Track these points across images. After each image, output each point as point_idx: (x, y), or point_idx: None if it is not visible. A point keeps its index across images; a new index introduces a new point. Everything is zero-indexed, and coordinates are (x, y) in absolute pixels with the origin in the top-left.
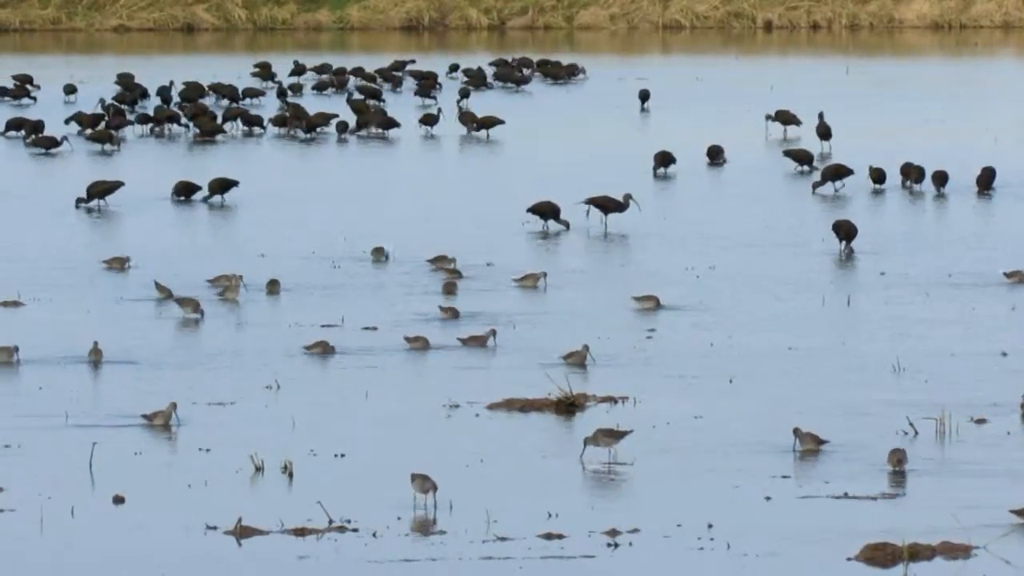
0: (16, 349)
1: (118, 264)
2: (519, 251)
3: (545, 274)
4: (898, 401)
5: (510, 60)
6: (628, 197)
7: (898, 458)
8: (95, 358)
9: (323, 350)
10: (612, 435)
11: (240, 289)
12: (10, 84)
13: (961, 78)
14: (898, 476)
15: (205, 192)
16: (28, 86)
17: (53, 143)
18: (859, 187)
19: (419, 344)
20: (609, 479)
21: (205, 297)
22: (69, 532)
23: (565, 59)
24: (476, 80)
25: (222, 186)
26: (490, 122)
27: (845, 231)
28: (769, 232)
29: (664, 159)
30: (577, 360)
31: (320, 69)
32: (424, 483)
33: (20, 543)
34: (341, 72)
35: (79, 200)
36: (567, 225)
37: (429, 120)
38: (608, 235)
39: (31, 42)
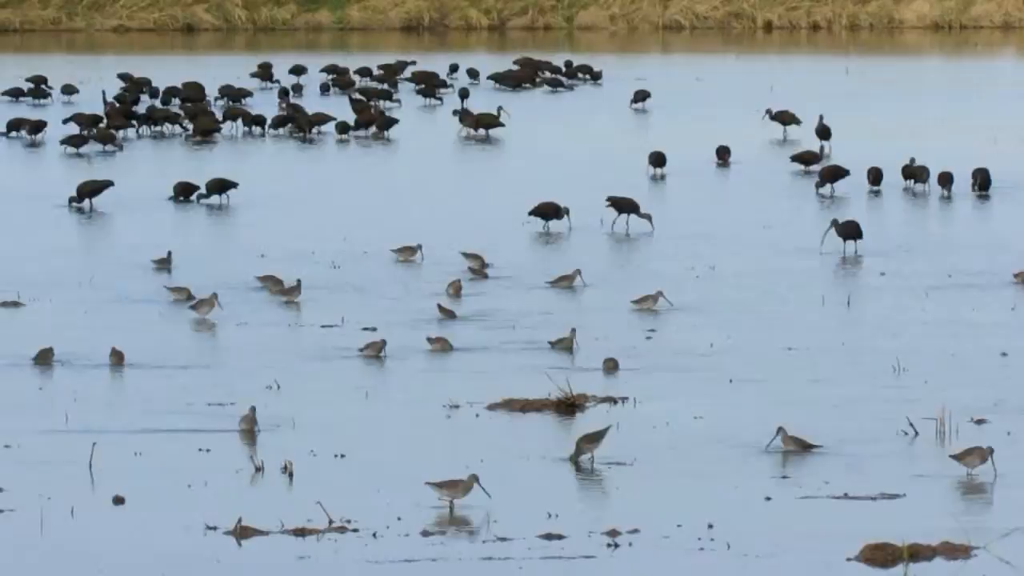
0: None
1: (164, 264)
2: (519, 252)
3: (579, 271)
4: (898, 401)
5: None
6: (648, 217)
7: (983, 456)
8: (115, 361)
9: (375, 351)
10: (593, 439)
11: (298, 292)
12: (25, 85)
13: (961, 78)
14: (979, 474)
15: (203, 191)
16: (43, 87)
17: (83, 141)
18: (858, 187)
19: (440, 346)
20: (609, 479)
21: (229, 299)
22: (69, 532)
23: (560, 59)
24: (512, 80)
25: (221, 186)
26: (489, 122)
27: (850, 233)
28: (769, 232)
29: (658, 160)
30: (611, 367)
31: (330, 70)
32: (455, 489)
33: (20, 543)
34: (344, 72)
35: (71, 200)
36: (568, 212)
37: (487, 121)
38: (608, 235)
39: (31, 42)
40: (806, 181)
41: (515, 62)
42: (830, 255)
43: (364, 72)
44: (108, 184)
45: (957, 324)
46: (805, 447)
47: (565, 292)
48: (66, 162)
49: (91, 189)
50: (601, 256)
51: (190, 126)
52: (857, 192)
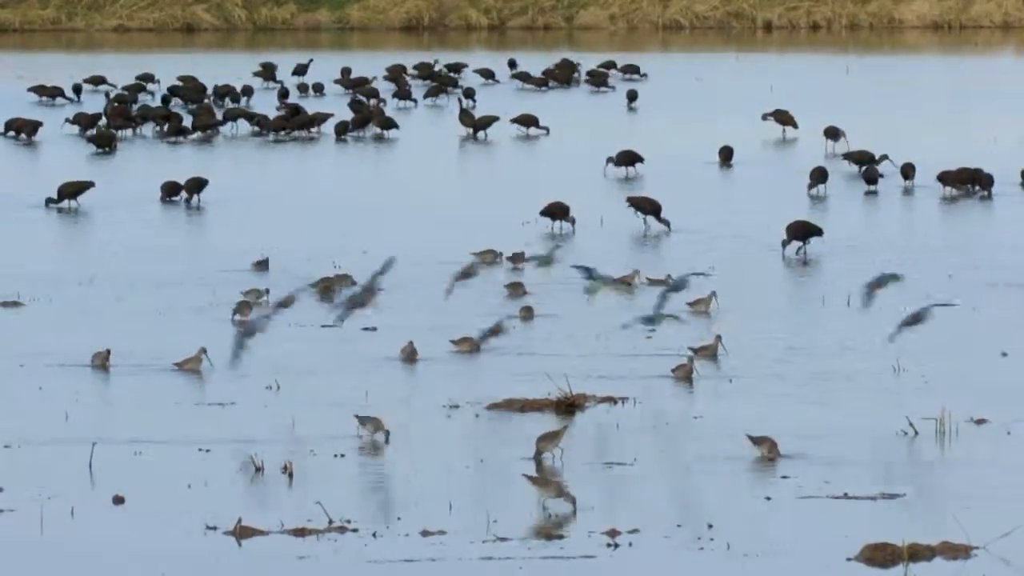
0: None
1: (262, 267)
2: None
3: (638, 271)
4: (898, 401)
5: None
6: (667, 222)
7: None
8: (194, 367)
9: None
10: (551, 437)
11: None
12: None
13: (961, 78)
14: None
15: (184, 193)
16: (104, 85)
17: (109, 140)
18: (856, 187)
19: (466, 347)
20: (609, 479)
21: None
22: (69, 532)
23: (557, 59)
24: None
25: (198, 185)
26: (488, 122)
27: (796, 232)
28: (768, 232)
29: (630, 159)
30: (684, 374)
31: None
32: (556, 487)
33: (20, 543)
34: (347, 74)
35: (49, 200)
36: (572, 220)
37: (486, 122)
38: (609, 235)
39: (31, 42)
40: (805, 181)
41: (556, 65)
42: (829, 255)
43: (392, 71)
44: (89, 185)
45: (957, 324)
46: (774, 450)
47: (565, 292)
48: (67, 162)
49: (72, 190)
50: (601, 255)
51: (166, 127)
52: (854, 192)
